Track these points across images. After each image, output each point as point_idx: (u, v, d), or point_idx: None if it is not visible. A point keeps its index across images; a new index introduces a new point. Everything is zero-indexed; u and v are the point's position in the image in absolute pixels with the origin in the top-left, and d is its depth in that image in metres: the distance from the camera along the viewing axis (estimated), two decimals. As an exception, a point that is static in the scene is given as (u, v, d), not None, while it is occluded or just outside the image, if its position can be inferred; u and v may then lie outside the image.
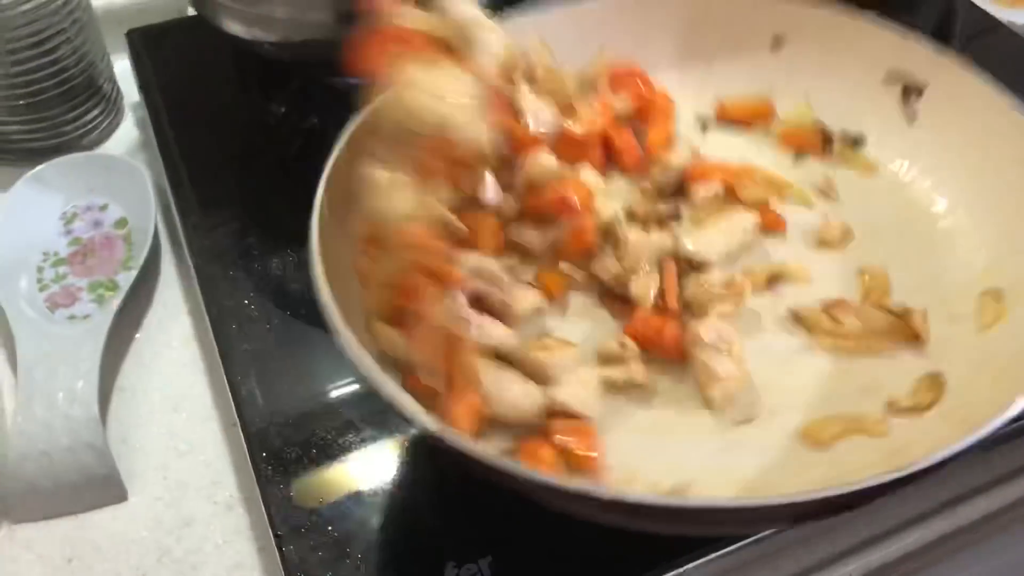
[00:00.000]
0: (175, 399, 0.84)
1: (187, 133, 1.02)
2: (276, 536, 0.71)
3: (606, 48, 0.83)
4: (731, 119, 0.89)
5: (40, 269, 0.92)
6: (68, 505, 0.76)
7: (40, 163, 0.98)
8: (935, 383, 0.68)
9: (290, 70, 0.99)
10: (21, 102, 1.01)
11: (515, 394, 0.64)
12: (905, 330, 0.71)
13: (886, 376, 0.69)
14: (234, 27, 0.95)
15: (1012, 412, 0.56)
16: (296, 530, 0.71)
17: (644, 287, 0.71)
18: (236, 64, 1.11)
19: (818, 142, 0.85)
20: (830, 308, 0.73)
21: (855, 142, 0.85)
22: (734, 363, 0.65)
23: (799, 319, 0.73)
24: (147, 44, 1.12)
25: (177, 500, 0.77)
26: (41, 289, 0.90)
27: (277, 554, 0.70)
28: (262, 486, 0.73)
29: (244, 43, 0.97)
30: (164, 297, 0.93)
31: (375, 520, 0.71)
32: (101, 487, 0.77)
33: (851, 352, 0.71)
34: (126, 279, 0.90)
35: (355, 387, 0.79)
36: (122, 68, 1.12)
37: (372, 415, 0.77)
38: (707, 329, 0.67)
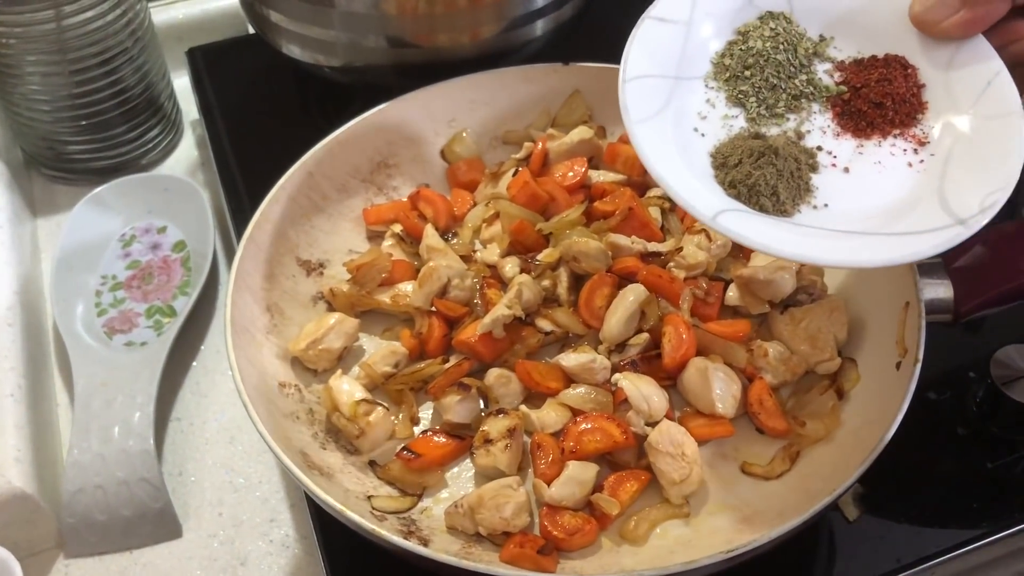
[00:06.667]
0: (231, 430, 0.83)
1: (247, 154, 1.00)
2: (332, 581, 0.69)
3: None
4: None
5: (98, 293, 0.91)
6: (122, 540, 0.75)
7: (101, 183, 0.98)
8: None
9: (351, 92, 0.97)
10: (83, 122, 1.00)
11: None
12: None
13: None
14: (295, 50, 0.94)
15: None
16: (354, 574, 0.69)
17: None
18: (296, 84, 1.09)
19: None
20: None
21: None
22: (688, 464, 0.68)
23: None
24: (207, 62, 1.11)
25: (232, 538, 0.76)
26: (99, 314, 0.89)
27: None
28: (319, 527, 0.71)
29: (305, 65, 0.95)
30: (221, 324, 0.90)
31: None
32: (155, 522, 0.75)
33: None
34: (184, 305, 0.89)
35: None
36: (181, 85, 1.11)
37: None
38: (660, 436, 0.69)
